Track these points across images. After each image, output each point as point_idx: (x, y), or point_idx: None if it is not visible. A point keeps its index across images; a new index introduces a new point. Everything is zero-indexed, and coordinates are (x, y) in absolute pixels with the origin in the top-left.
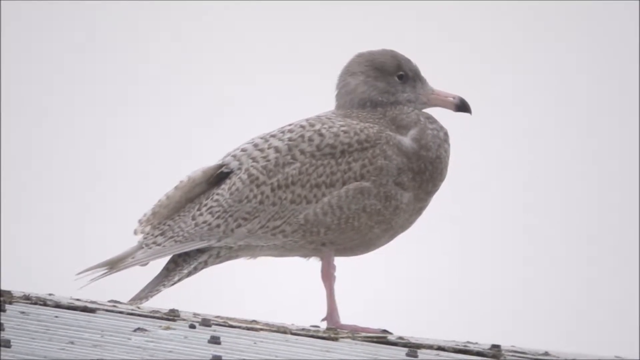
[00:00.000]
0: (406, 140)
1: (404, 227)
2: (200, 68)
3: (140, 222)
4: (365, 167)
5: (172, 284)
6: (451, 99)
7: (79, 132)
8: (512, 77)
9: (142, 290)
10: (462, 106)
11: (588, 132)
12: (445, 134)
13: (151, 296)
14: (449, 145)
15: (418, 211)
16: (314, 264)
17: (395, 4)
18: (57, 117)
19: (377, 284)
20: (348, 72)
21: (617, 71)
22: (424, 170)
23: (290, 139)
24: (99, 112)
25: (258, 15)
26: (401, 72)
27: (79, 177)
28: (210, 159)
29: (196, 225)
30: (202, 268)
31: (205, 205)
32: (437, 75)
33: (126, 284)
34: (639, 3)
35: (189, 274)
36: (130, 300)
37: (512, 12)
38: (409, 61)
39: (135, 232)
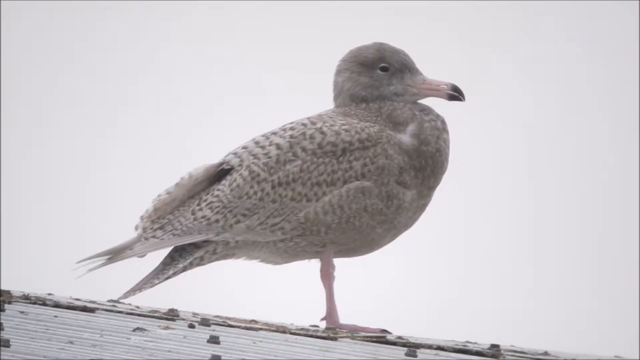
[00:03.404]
0: (406, 138)
1: (407, 225)
2: (200, 68)
3: (141, 217)
4: (366, 166)
5: (167, 278)
6: (444, 86)
7: (79, 131)
8: (512, 76)
9: (137, 284)
10: (453, 95)
11: (590, 133)
12: (443, 122)
13: (145, 289)
14: (447, 133)
15: (421, 208)
16: (314, 264)
17: (397, 3)
18: (57, 116)
19: (377, 284)
20: (337, 71)
21: (618, 71)
22: (425, 166)
23: (291, 137)
24: (98, 112)
25: (258, 15)
26: (384, 65)
27: (79, 177)
28: (210, 154)
29: (195, 219)
30: (197, 264)
31: (205, 200)
32: (438, 68)
33: (126, 284)
34: (639, 3)
35: (184, 269)
36: (124, 293)
37: (512, 12)
38: (396, 52)
39: (137, 228)
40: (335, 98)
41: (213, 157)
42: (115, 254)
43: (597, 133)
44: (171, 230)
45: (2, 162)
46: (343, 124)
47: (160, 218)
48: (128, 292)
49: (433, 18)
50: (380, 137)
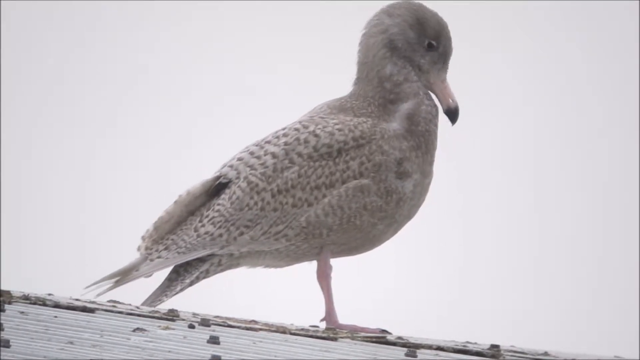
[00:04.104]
0: (395, 125)
1: (409, 216)
2: (201, 68)
3: (143, 238)
4: (363, 164)
5: (175, 294)
6: (450, 100)
7: (80, 131)
8: (512, 76)
9: (145, 301)
10: (452, 112)
11: (590, 133)
12: (437, 110)
13: (154, 306)
14: (438, 120)
15: (426, 188)
16: (313, 264)
17: None
18: (57, 117)
19: (376, 284)
20: (387, 12)
21: (618, 71)
22: (420, 144)
23: (286, 143)
24: (100, 112)
25: (257, 16)
26: (434, 42)
27: (79, 176)
28: (211, 154)
29: (198, 236)
30: (203, 277)
31: (207, 216)
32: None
33: (125, 284)
34: (639, 3)
35: (191, 284)
36: None
37: (512, 12)
38: (450, 42)
39: (139, 249)
40: (370, 36)
41: (214, 156)
42: (121, 276)
43: (597, 133)
44: (176, 249)
45: (2, 162)
46: (336, 124)
47: (161, 237)
48: None
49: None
50: (374, 133)
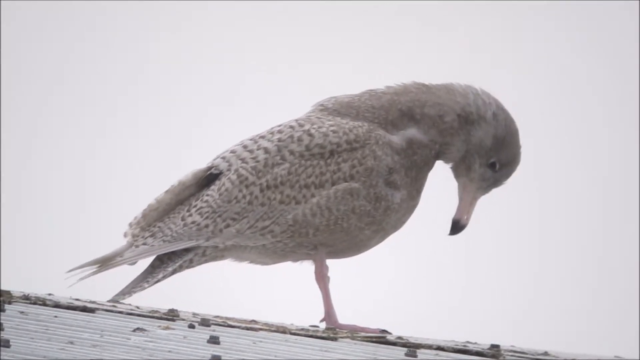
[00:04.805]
0: (396, 138)
1: (395, 227)
2: (201, 67)
3: (130, 225)
4: (354, 167)
5: (156, 282)
6: (465, 216)
7: (80, 131)
8: (512, 76)
9: (127, 287)
10: (457, 226)
11: (590, 133)
12: (434, 163)
13: (134, 292)
14: (430, 168)
15: (411, 209)
16: (307, 265)
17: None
18: (57, 117)
19: (377, 284)
20: (495, 111)
21: (618, 71)
22: (412, 166)
23: (279, 140)
24: (97, 112)
25: (256, 15)
26: (498, 165)
27: (78, 176)
28: (204, 160)
29: (185, 225)
30: (187, 267)
31: (195, 206)
32: (437, 69)
33: (124, 284)
34: (639, 3)
35: (174, 272)
36: (114, 296)
37: (512, 12)
38: (508, 177)
39: (125, 235)
40: (473, 98)
41: (213, 156)
42: (105, 262)
43: (597, 133)
44: (162, 237)
45: (2, 162)
46: (331, 125)
47: (149, 225)
48: (117, 295)
49: (432, 18)
50: (369, 138)
